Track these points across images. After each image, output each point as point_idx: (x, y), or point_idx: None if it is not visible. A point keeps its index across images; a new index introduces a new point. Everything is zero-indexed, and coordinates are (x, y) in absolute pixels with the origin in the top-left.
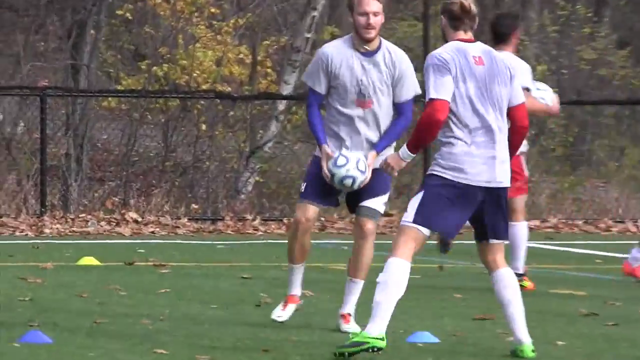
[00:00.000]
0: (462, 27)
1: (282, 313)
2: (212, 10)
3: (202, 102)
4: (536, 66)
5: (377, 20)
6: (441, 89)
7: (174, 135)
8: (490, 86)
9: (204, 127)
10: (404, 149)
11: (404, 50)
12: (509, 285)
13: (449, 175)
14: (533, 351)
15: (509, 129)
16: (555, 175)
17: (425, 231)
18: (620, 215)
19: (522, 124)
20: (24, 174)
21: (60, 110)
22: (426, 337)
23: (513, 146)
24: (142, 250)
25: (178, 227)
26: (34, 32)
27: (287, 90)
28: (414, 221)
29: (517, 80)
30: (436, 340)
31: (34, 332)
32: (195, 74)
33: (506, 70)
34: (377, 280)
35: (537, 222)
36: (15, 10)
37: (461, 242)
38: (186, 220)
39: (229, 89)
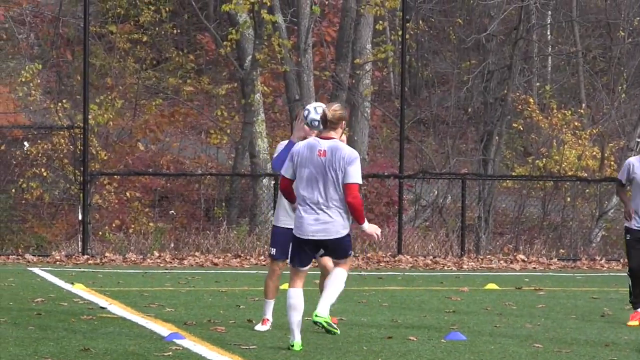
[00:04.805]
0: (326, 127)
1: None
2: (576, 123)
3: (568, 183)
4: None
5: None
6: (286, 170)
7: (549, 205)
8: (327, 170)
9: (568, 199)
10: None
11: None
12: None
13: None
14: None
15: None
16: None
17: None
18: None
19: (347, 199)
20: (450, 229)
21: (474, 188)
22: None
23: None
24: (527, 280)
25: (551, 264)
26: (459, 137)
27: None
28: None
29: (351, 166)
30: None
31: (454, 332)
32: (563, 165)
33: (341, 160)
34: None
35: None
36: (447, 123)
37: None
38: (556, 259)
39: (586, 174)
